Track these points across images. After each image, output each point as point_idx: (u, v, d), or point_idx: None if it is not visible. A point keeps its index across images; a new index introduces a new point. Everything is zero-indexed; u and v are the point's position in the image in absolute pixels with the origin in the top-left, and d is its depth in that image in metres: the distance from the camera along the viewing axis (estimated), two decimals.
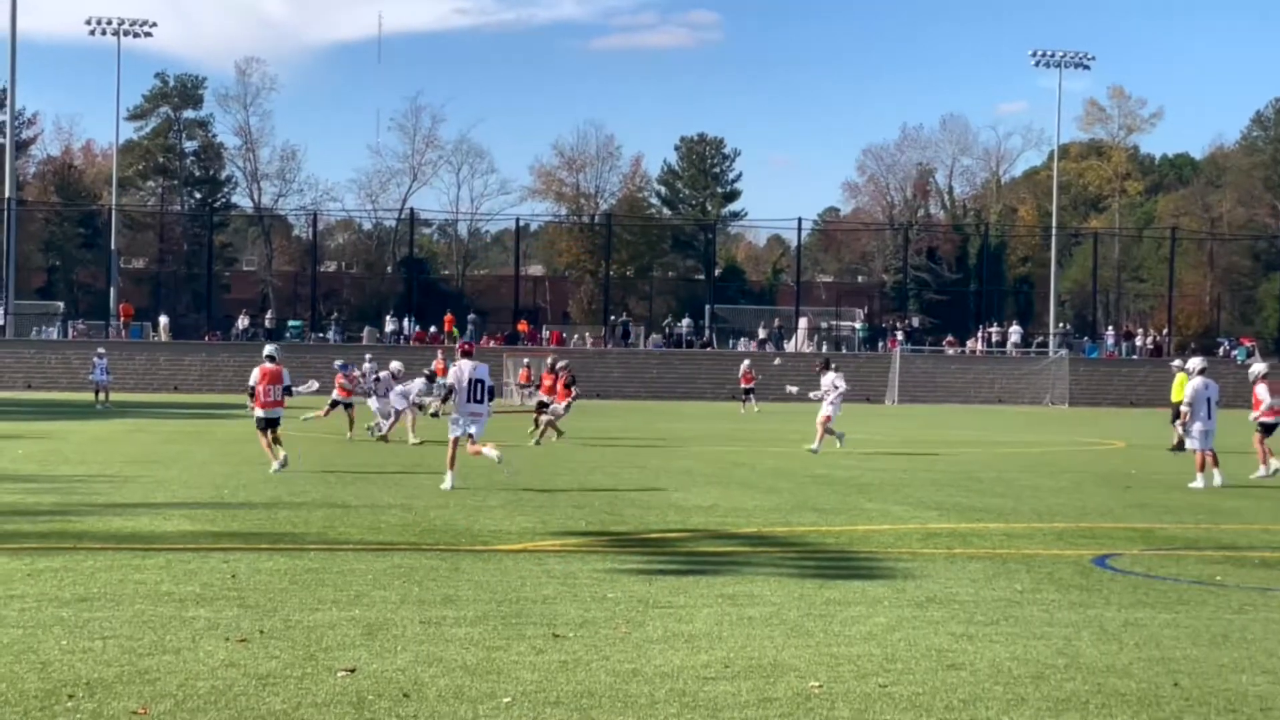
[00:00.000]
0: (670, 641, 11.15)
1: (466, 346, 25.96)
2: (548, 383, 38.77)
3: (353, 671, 9.89)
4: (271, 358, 28.17)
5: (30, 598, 12.54)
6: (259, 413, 27.70)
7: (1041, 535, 18.99)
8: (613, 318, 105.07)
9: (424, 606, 12.48)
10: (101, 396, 61.83)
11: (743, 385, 70.63)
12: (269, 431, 27.55)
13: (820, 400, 36.90)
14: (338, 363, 41.99)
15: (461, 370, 24.66)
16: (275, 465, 26.78)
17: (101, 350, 66.61)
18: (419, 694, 9.32)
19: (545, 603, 12.79)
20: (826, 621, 12.09)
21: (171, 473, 26.63)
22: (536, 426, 38.34)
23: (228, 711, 8.82)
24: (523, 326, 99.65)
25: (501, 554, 16.00)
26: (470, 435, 24.45)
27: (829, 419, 36.34)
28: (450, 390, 25.06)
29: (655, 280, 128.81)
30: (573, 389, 38.47)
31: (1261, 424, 29.52)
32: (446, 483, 24.06)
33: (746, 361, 74.71)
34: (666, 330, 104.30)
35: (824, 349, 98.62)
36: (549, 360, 41.52)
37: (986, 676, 10.17)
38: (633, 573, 14.63)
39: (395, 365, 39.14)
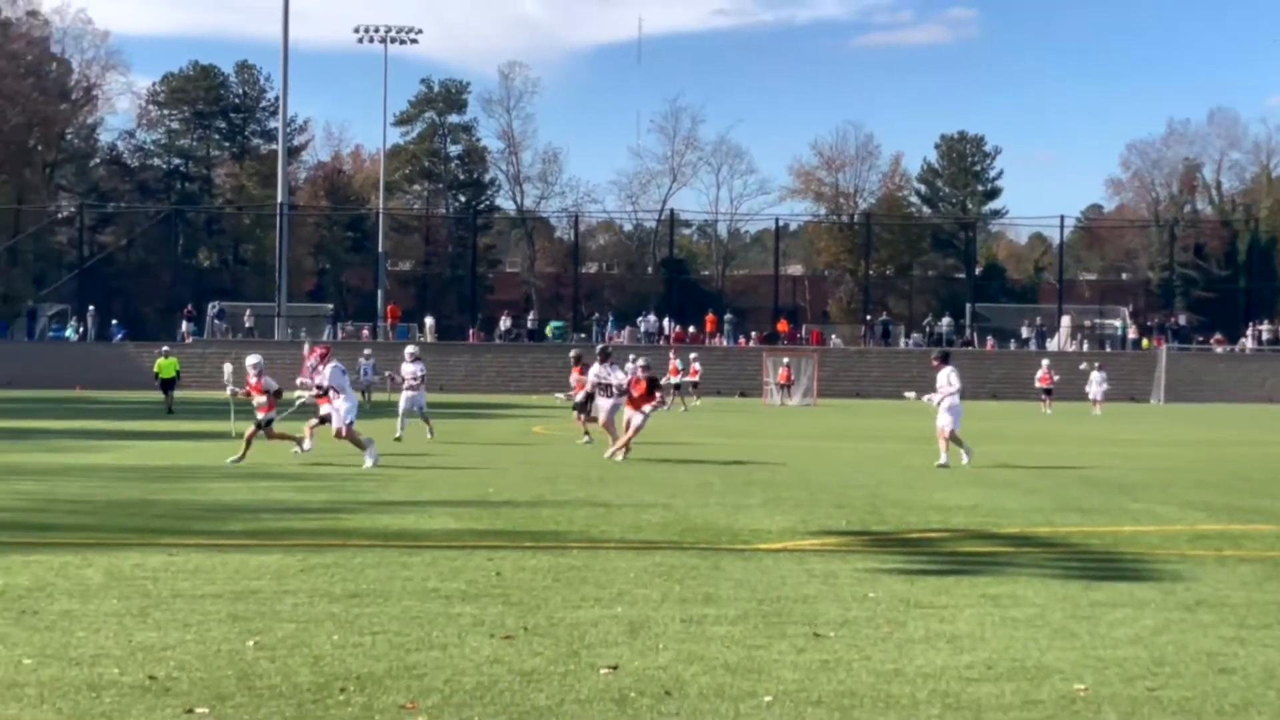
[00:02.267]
0: (932, 642, 11.06)
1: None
2: (638, 392, 31.88)
3: (615, 669, 9.95)
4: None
5: (303, 593, 12.82)
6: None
7: None
8: (871, 317, 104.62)
9: (685, 605, 12.51)
10: (368, 396, 63.06)
11: (1040, 386, 70.31)
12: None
13: (935, 405, 32.17)
14: (365, 351, 39.42)
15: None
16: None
17: (368, 351, 67.91)
18: (680, 692, 9.35)
19: (806, 602, 12.75)
20: (1092, 623, 11.90)
21: (436, 472, 27.07)
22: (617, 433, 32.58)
23: (493, 707, 8.93)
24: (782, 326, 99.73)
25: (762, 553, 15.98)
26: (317, 422, 31.19)
27: (951, 429, 31.27)
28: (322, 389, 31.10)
29: (915, 279, 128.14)
30: (656, 393, 32.69)
31: None
32: (306, 445, 30.90)
33: (1046, 362, 74.04)
34: (926, 329, 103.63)
35: (1087, 348, 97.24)
36: (637, 361, 35.51)
37: (1259, 681, 9.93)
38: (894, 572, 14.53)
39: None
